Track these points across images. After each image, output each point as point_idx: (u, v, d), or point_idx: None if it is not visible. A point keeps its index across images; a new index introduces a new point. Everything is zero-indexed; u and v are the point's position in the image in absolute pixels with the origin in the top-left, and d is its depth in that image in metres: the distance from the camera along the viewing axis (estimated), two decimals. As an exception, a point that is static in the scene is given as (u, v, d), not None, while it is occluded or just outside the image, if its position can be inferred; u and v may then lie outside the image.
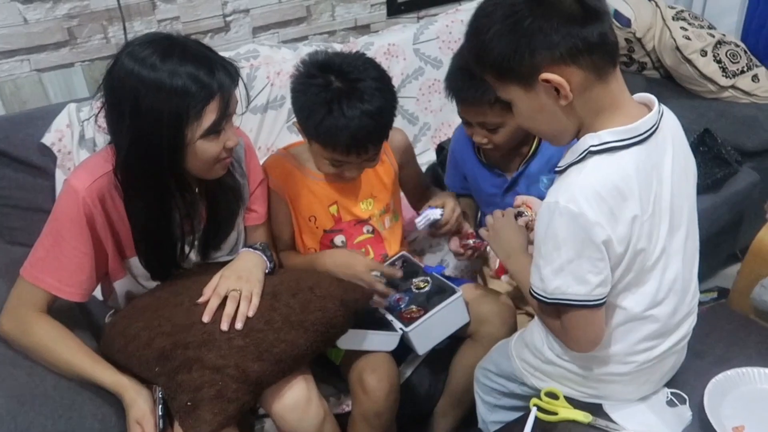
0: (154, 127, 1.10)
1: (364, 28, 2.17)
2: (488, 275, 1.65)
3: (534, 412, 1.08)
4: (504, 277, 1.41)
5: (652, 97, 1.01)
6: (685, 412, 1.13)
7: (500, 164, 1.54)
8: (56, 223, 1.18)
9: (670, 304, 1.07)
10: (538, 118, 0.98)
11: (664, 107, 1.01)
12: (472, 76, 1.34)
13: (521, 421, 1.15)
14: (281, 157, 1.51)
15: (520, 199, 1.31)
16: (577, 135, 0.98)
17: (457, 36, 2.00)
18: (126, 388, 1.15)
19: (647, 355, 1.09)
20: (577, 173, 0.96)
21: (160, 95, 1.08)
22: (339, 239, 1.51)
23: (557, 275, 0.98)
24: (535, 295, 1.04)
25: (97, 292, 1.37)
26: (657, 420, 1.12)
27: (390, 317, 1.39)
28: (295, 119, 1.43)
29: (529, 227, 1.25)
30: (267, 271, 1.28)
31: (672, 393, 1.16)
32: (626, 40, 2.16)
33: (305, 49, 1.82)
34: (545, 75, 0.91)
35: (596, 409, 1.15)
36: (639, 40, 2.14)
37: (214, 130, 1.14)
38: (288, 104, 1.78)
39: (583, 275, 0.97)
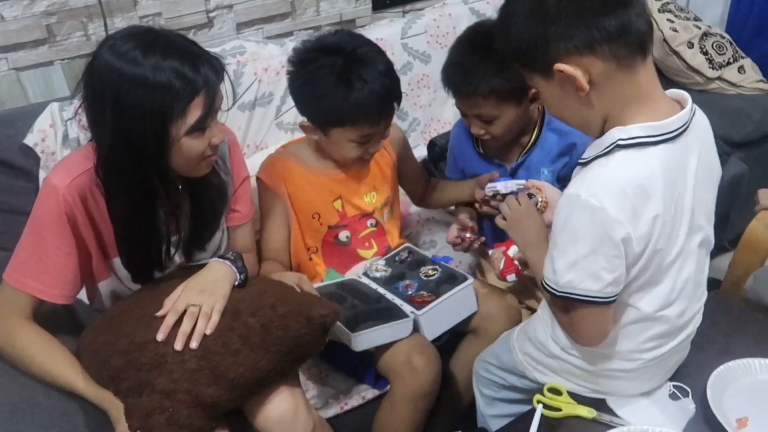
0: (137, 124, 1.06)
1: (349, 23, 2.14)
2: (491, 272, 1.64)
3: (540, 409, 1.07)
4: (510, 277, 1.37)
5: (686, 95, 0.98)
6: (688, 405, 1.12)
7: (499, 155, 1.53)
8: (37, 223, 1.14)
9: (680, 305, 1.06)
10: (563, 108, 0.97)
11: (696, 106, 0.99)
12: (467, 70, 1.35)
13: (525, 418, 1.14)
14: (281, 156, 1.49)
15: (531, 182, 1.29)
16: (604, 126, 0.96)
17: (445, 30, 1.98)
18: (110, 402, 1.09)
19: (654, 353, 1.09)
20: (601, 167, 0.94)
21: (143, 91, 1.04)
22: (344, 234, 1.50)
23: (570, 269, 0.97)
24: (545, 286, 1.03)
25: (83, 295, 1.33)
26: (661, 414, 1.11)
27: (399, 302, 1.38)
28: (301, 120, 1.40)
29: (539, 210, 1.24)
30: (236, 283, 1.20)
31: (675, 386, 1.15)
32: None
33: (292, 45, 1.77)
34: (558, 66, 0.89)
35: (600, 404, 1.14)
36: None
37: (200, 127, 1.10)
38: (276, 101, 1.75)
39: (596, 271, 0.95)
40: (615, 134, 0.93)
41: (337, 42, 1.35)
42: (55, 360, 1.13)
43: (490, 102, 1.36)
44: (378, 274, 1.46)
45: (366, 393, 1.44)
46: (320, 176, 1.47)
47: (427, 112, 2.03)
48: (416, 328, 1.36)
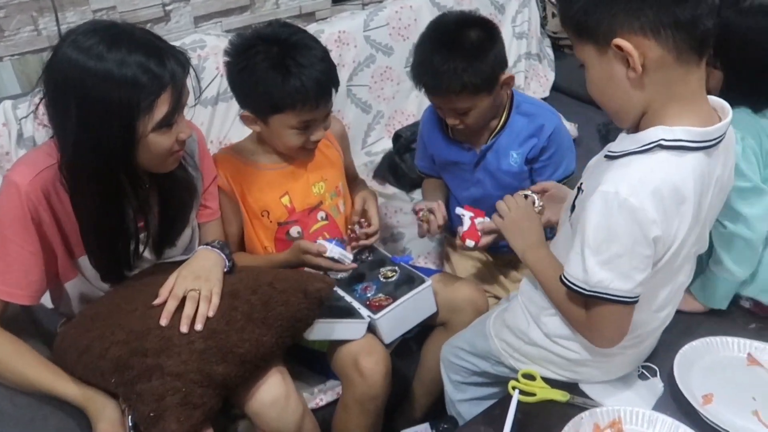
0: (103, 120, 1.04)
1: (309, 16, 2.13)
2: (455, 255, 1.65)
3: (516, 395, 1.08)
4: (469, 242, 1.39)
5: (726, 105, 0.96)
6: (657, 384, 1.16)
7: (469, 139, 1.54)
8: None
9: (671, 307, 1.10)
10: (607, 88, 0.93)
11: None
12: (436, 69, 1.35)
13: (500, 405, 1.16)
14: (227, 154, 1.48)
15: (540, 185, 1.26)
16: (640, 120, 0.93)
17: (407, 22, 1.98)
18: (91, 401, 1.08)
19: (637, 347, 1.12)
20: (641, 164, 0.91)
21: (109, 86, 1.02)
22: (294, 230, 1.48)
23: (603, 268, 0.94)
24: (571, 285, 0.99)
25: (46, 300, 1.29)
26: (631, 394, 1.14)
27: (357, 305, 1.37)
28: (240, 111, 1.40)
29: (539, 213, 1.23)
30: (225, 269, 1.22)
31: (643, 367, 1.19)
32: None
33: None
34: (618, 41, 0.86)
35: (573, 387, 1.17)
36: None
37: (167, 123, 1.09)
38: (240, 95, 1.72)
39: (629, 271, 0.94)
40: (659, 133, 0.90)
41: (272, 32, 1.35)
42: (26, 361, 1.10)
43: (462, 96, 1.37)
44: (339, 275, 1.45)
45: (340, 388, 1.43)
46: (266, 171, 1.45)
47: (391, 104, 2.03)
48: (373, 331, 1.36)
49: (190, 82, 1.14)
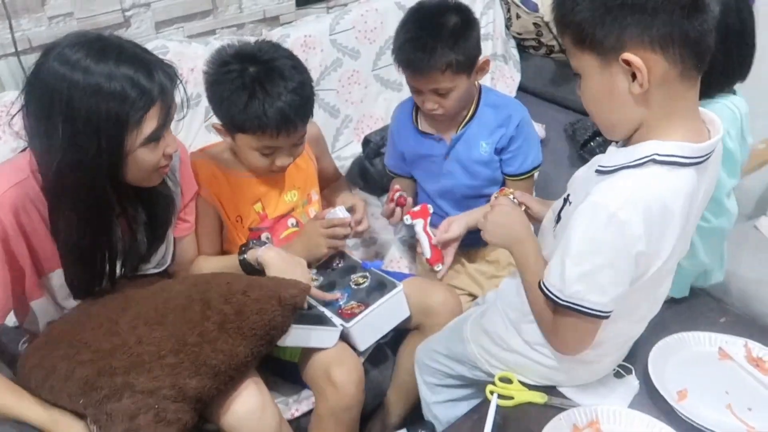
0: (90, 135, 1.02)
1: (273, 20, 2.09)
2: (423, 264, 1.65)
3: (495, 400, 1.08)
4: (438, 266, 1.41)
5: (716, 118, 0.94)
6: (632, 382, 1.17)
7: (439, 130, 1.57)
8: None
9: (649, 316, 1.10)
10: (605, 101, 0.91)
11: None
12: (424, 45, 1.39)
13: (479, 409, 1.16)
14: (200, 159, 1.45)
15: (504, 190, 1.26)
16: (633, 134, 0.92)
17: (373, 25, 1.97)
18: (57, 424, 1.05)
19: (613, 354, 1.13)
20: (632, 179, 0.89)
21: (97, 101, 1.00)
22: (264, 236, 1.47)
23: (581, 279, 0.93)
24: (547, 292, 0.98)
25: (9, 318, 1.24)
26: (608, 392, 1.15)
27: (329, 314, 1.36)
28: (213, 120, 1.38)
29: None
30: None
31: (619, 365, 1.20)
32: (534, 24, 2.22)
33: (216, 44, 1.72)
34: (627, 55, 0.84)
35: (550, 389, 1.17)
36: (546, 24, 2.21)
37: (155, 138, 1.07)
38: (205, 102, 1.65)
39: (606, 285, 0.93)
40: (652, 147, 0.88)
41: (256, 50, 1.33)
42: None
43: (446, 75, 1.40)
44: (312, 283, 1.44)
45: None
46: (239, 178, 1.44)
47: (359, 108, 2.01)
48: (347, 340, 1.35)
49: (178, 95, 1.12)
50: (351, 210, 1.50)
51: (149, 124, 1.05)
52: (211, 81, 1.34)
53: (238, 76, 1.29)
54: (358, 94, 1.98)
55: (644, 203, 0.87)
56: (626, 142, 0.94)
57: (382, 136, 1.88)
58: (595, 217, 0.89)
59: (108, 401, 1.03)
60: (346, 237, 1.45)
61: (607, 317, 0.96)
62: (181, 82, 1.12)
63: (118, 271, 1.23)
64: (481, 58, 1.46)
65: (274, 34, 1.87)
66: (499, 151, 1.54)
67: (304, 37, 1.84)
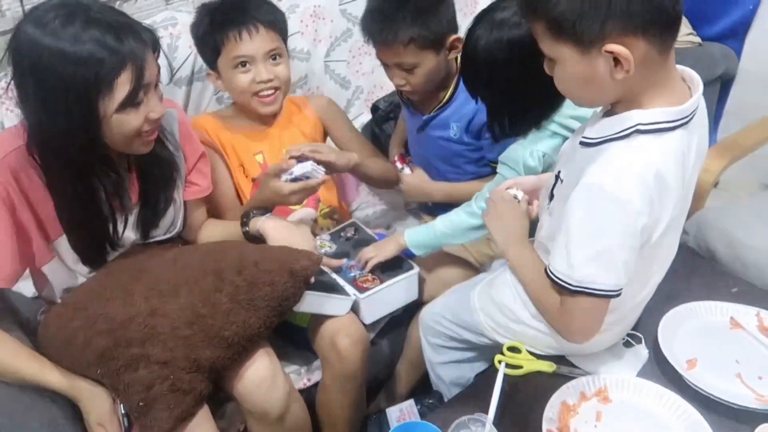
0: (60, 99, 1.01)
1: (283, -11, 2.07)
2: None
3: (502, 369, 1.08)
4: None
5: (696, 76, 0.93)
6: (641, 351, 1.17)
7: (418, 105, 1.58)
8: None
9: (657, 276, 1.09)
10: (583, 85, 0.90)
11: None
12: (386, 17, 1.37)
13: (486, 378, 1.16)
14: (204, 116, 1.57)
15: (511, 181, 1.22)
16: (616, 102, 0.91)
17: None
18: (80, 390, 1.07)
19: (621, 322, 1.13)
20: (621, 153, 0.89)
21: (64, 64, 0.99)
22: None
23: (590, 263, 0.92)
24: (557, 279, 0.97)
25: (28, 288, 1.27)
26: (617, 361, 1.15)
27: (342, 282, 1.37)
28: (207, 70, 1.50)
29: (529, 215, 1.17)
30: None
31: (628, 334, 1.19)
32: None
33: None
34: (611, 46, 0.82)
35: (559, 358, 1.17)
36: None
37: (131, 103, 1.05)
38: (214, 74, 1.69)
39: (615, 265, 0.92)
40: (635, 117, 0.88)
41: None
42: (10, 351, 1.08)
43: (410, 50, 1.37)
44: (323, 250, 1.45)
45: (327, 366, 1.43)
46: (242, 130, 1.53)
47: (370, 79, 1.99)
48: (355, 310, 1.36)
49: (163, 59, 1.11)
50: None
51: (121, 89, 1.03)
52: (191, 29, 1.47)
53: (206, 10, 1.45)
54: (369, 64, 1.96)
55: (638, 176, 0.87)
56: (609, 111, 0.94)
57: (391, 102, 1.88)
58: (592, 199, 0.89)
59: (125, 371, 1.05)
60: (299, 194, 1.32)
61: (618, 295, 0.96)
62: (159, 48, 1.11)
63: (126, 235, 1.24)
64: (453, 37, 1.42)
65: (283, 5, 1.83)
66: (474, 134, 1.52)
67: (313, 8, 1.82)
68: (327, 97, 1.68)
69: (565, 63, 0.89)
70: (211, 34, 1.41)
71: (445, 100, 1.52)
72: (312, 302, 1.28)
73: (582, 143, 0.94)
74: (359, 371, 1.32)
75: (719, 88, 2.20)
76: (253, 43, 1.40)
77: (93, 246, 1.20)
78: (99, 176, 1.13)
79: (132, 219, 1.24)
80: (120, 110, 1.05)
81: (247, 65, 1.42)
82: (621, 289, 0.95)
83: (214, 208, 1.47)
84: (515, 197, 1.17)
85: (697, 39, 2.20)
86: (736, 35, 2.18)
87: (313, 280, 1.21)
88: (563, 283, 0.96)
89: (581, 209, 0.91)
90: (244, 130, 1.53)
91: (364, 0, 1.88)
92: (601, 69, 0.86)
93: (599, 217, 0.89)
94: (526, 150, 1.26)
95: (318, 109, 1.61)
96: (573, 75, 0.90)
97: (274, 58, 1.44)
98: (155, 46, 1.10)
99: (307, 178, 1.30)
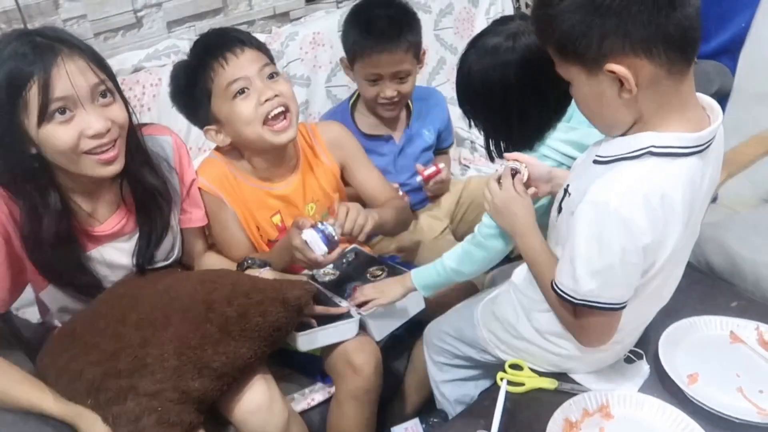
0: None
1: (283, 16, 2.11)
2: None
3: (504, 386, 1.09)
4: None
5: (716, 105, 0.93)
6: (643, 367, 1.18)
7: (384, 130, 1.66)
8: None
9: (659, 306, 1.12)
10: (597, 107, 0.92)
11: None
12: (392, 25, 1.46)
13: (489, 395, 1.16)
14: (218, 162, 1.43)
15: (512, 155, 1.20)
16: (631, 127, 0.92)
17: (381, 19, 1.98)
18: (80, 417, 1.07)
19: (623, 341, 1.14)
20: (630, 172, 0.89)
21: None
22: None
23: (593, 278, 0.93)
24: (561, 293, 0.98)
25: (33, 314, 1.28)
26: (619, 377, 1.16)
27: (345, 304, 1.37)
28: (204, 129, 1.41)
29: (526, 185, 1.15)
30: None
31: (629, 351, 1.20)
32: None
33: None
34: (611, 66, 0.83)
35: (560, 374, 1.18)
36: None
37: (45, 117, 1.02)
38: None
39: (619, 280, 0.94)
40: (648, 139, 0.88)
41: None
42: (10, 378, 1.08)
43: (408, 56, 1.48)
44: (326, 278, 1.45)
45: (332, 388, 1.43)
46: (259, 190, 1.43)
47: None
48: (363, 328, 1.36)
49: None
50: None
51: (33, 102, 1.01)
52: (173, 93, 1.42)
53: (180, 70, 1.38)
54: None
55: (644, 196, 0.87)
56: (623, 131, 0.94)
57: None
58: (597, 215, 0.89)
59: (113, 403, 1.05)
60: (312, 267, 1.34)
61: (623, 308, 0.97)
62: (100, 59, 1.09)
63: (121, 263, 1.25)
64: (423, 50, 1.56)
65: (283, 32, 1.89)
66: (438, 134, 1.74)
67: (312, 35, 1.87)
68: (338, 125, 1.57)
69: (577, 84, 0.91)
70: (194, 80, 1.32)
71: (409, 114, 1.66)
72: (320, 338, 1.29)
73: (595, 161, 0.95)
74: (374, 384, 1.33)
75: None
76: (242, 60, 1.30)
77: (53, 273, 1.19)
78: (43, 201, 1.11)
79: (126, 247, 1.25)
80: (41, 125, 1.03)
81: (245, 90, 1.30)
82: (626, 302, 0.97)
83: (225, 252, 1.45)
84: (515, 170, 1.15)
85: (692, 56, 2.23)
86: (729, 52, 2.21)
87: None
88: (568, 297, 0.98)
89: (586, 225, 0.91)
90: (260, 186, 1.43)
91: None
92: (607, 89, 0.87)
93: (603, 234, 0.90)
94: None
95: (331, 142, 1.51)
96: (585, 96, 0.92)
97: (271, 76, 1.33)
98: (96, 59, 1.08)
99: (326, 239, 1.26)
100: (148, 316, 1.14)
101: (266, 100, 1.30)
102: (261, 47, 1.37)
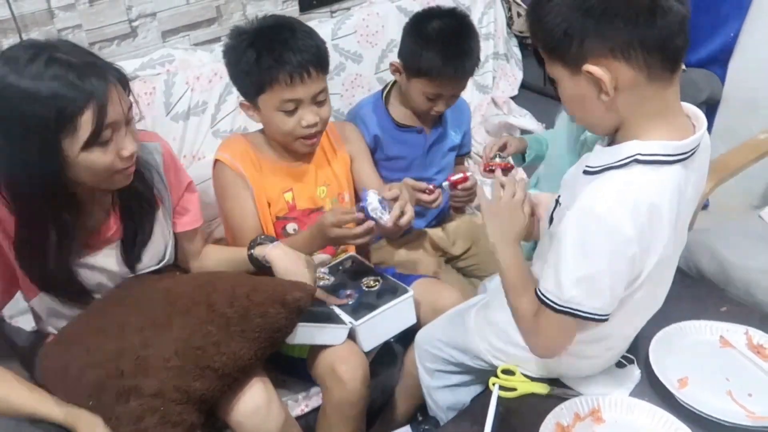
0: (22, 138, 1.02)
1: (277, 26, 2.13)
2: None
3: (496, 391, 1.10)
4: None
5: (700, 114, 0.95)
6: (634, 371, 1.19)
7: (418, 122, 1.69)
8: None
9: (651, 313, 1.13)
10: (580, 106, 0.93)
11: None
12: (463, 54, 1.53)
13: (481, 402, 1.17)
14: (239, 139, 1.50)
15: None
16: (617, 131, 0.93)
17: (375, 29, 2.00)
18: (80, 420, 1.06)
19: (615, 348, 1.15)
20: (617, 180, 0.90)
21: (25, 102, 0.99)
22: (291, 227, 1.50)
23: (577, 284, 0.93)
24: (544, 298, 0.97)
25: (27, 322, 1.28)
26: (610, 382, 1.17)
27: (339, 311, 1.38)
28: (239, 100, 1.45)
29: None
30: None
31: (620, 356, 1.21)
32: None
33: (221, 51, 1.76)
34: (588, 67, 0.85)
35: (552, 380, 1.19)
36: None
37: (95, 142, 1.05)
38: (211, 109, 1.73)
39: (603, 289, 0.93)
40: (634, 147, 0.89)
41: (260, 21, 1.41)
42: (7, 383, 1.08)
43: (467, 80, 1.57)
44: (321, 283, 1.46)
45: (325, 394, 1.44)
46: (274, 165, 1.48)
47: (363, 110, 2.04)
48: (353, 338, 1.36)
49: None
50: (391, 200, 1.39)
51: (85, 128, 1.02)
52: (226, 55, 1.40)
53: (247, 37, 1.36)
54: (361, 97, 2.00)
55: (631, 204, 0.88)
56: (611, 141, 0.96)
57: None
58: (584, 222, 0.90)
59: (115, 403, 1.05)
60: (365, 237, 1.34)
61: (605, 320, 0.96)
62: (128, 85, 1.11)
63: (113, 269, 1.25)
64: None
65: (277, 40, 1.90)
66: (462, 137, 1.79)
67: (306, 42, 1.87)
68: (352, 125, 1.65)
69: (561, 83, 0.92)
70: (258, 74, 1.34)
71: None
72: (307, 334, 1.29)
73: (585, 172, 0.95)
74: (359, 396, 1.32)
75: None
76: (305, 88, 1.35)
77: (48, 283, 1.20)
78: (54, 218, 1.12)
79: (116, 253, 1.25)
80: (85, 149, 1.04)
81: (293, 109, 1.37)
82: (608, 315, 0.96)
83: (233, 237, 1.47)
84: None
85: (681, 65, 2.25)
86: (719, 61, 2.25)
87: (309, 310, 1.22)
88: (550, 302, 0.97)
89: (573, 231, 0.92)
90: (277, 163, 1.48)
91: (354, 36, 1.98)
92: (588, 91, 0.89)
93: (589, 240, 0.90)
94: None
95: (345, 137, 1.59)
96: (568, 96, 0.93)
97: (320, 101, 1.40)
98: (124, 83, 1.10)
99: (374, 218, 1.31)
100: (150, 318, 1.15)
101: (307, 126, 1.39)
102: (325, 65, 1.41)
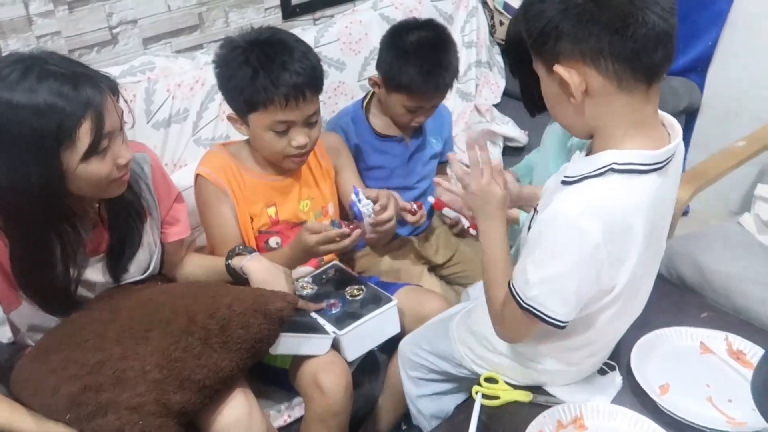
0: (20, 151, 1.01)
1: (260, 34, 2.12)
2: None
3: (479, 400, 1.10)
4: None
5: (676, 124, 0.95)
6: (616, 378, 1.19)
7: (398, 131, 1.70)
8: None
9: (631, 320, 1.14)
10: (556, 104, 0.94)
11: None
12: (444, 68, 1.54)
13: (464, 409, 1.17)
14: (220, 152, 1.47)
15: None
16: (595, 141, 0.94)
17: (357, 37, 2.00)
18: None
19: (596, 354, 1.15)
20: (593, 188, 0.90)
21: (20, 117, 0.98)
22: (274, 241, 1.48)
23: (541, 284, 0.94)
24: (513, 292, 0.99)
25: (4, 333, 1.26)
26: (592, 389, 1.17)
27: (322, 321, 1.37)
28: (227, 113, 1.43)
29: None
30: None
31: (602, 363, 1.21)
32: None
33: (203, 58, 1.76)
34: (557, 68, 0.87)
35: (535, 388, 1.19)
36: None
37: (94, 152, 1.05)
38: (193, 116, 1.71)
39: (566, 293, 0.94)
40: (610, 156, 0.90)
41: (256, 33, 1.37)
42: None
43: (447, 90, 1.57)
44: (304, 292, 1.45)
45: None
46: (257, 179, 1.46)
47: (345, 118, 2.04)
48: (336, 347, 1.36)
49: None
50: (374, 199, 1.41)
51: (83, 139, 1.03)
52: (218, 66, 1.37)
53: (242, 53, 1.32)
54: (344, 104, 2.00)
55: (604, 211, 0.88)
56: (589, 151, 0.96)
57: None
58: (556, 224, 0.91)
59: (93, 417, 1.04)
60: (344, 240, 1.34)
61: (562, 328, 0.97)
62: (118, 92, 1.11)
63: (96, 280, 1.23)
64: None
65: (260, 48, 1.89)
66: (443, 145, 1.79)
67: (289, 50, 1.87)
68: (336, 135, 1.65)
69: (541, 78, 0.94)
70: (252, 93, 1.31)
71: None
72: (290, 344, 1.28)
73: (563, 181, 0.96)
74: (342, 407, 1.31)
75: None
76: (299, 111, 1.34)
77: (48, 298, 1.18)
78: (57, 231, 1.12)
79: (101, 265, 1.24)
80: (84, 160, 1.05)
81: (285, 129, 1.36)
82: (566, 323, 0.96)
83: (213, 250, 1.46)
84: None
85: (661, 74, 2.28)
86: (698, 69, 2.27)
87: (292, 320, 1.21)
88: (518, 299, 0.98)
89: (543, 232, 0.93)
90: (261, 177, 1.46)
91: (337, 44, 1.98)
92: (558, 91, 0.90)
93: (558, 242, 0.92)
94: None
95: (330, 149, 1.58)
96: (545, 92, 0.95)
97: (312, 122, 1.38)
98: (114, 90, 1.10)
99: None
100: (129, 329, 1.13)
101: (298, 147, 1.37)
102: (319, 86, 1.39)
